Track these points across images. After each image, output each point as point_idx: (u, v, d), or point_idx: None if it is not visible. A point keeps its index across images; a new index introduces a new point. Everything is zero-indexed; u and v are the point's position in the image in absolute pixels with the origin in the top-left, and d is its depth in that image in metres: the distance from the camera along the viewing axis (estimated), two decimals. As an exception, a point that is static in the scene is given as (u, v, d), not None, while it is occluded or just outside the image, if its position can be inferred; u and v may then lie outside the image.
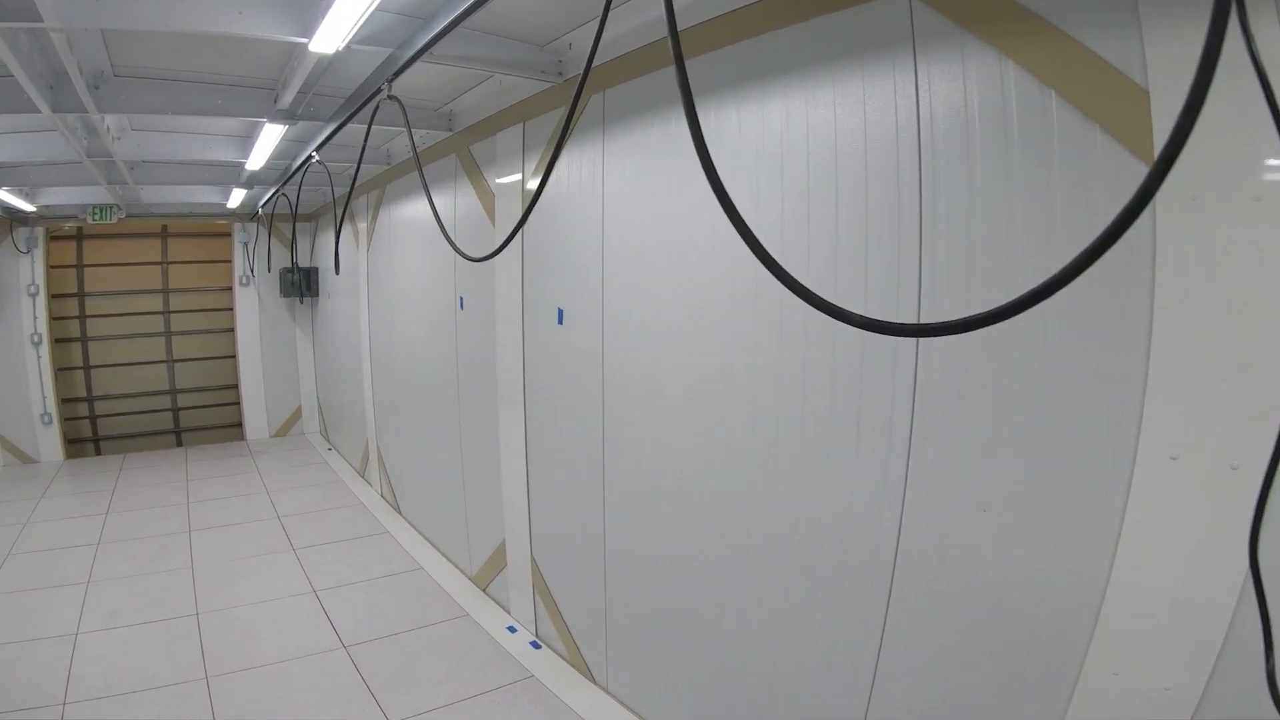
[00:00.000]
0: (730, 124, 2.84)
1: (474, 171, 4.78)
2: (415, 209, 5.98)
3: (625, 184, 3.40)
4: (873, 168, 2.37)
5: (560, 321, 3.91)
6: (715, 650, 3.18)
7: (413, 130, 5.22)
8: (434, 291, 5.69)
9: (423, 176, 2.97)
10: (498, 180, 4.45)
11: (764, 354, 2.75)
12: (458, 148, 4.95)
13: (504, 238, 4.31)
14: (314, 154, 4.67)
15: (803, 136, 2.58)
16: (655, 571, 3.48)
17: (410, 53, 2.98)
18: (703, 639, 3.24)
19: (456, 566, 5.74)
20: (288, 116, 4.18)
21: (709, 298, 2.96)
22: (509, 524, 4.79)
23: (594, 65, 3.50)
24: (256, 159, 5.36)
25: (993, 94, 2.05)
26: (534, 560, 4.55)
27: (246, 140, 5.39)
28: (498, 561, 5.02)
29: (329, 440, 10.10)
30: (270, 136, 4.64)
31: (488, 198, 4.61)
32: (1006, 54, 2.01)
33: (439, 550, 6.07)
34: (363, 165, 3.85)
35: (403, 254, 6.42)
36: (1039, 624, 2.05)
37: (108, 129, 4.68)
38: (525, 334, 4.30)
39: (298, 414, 10.79)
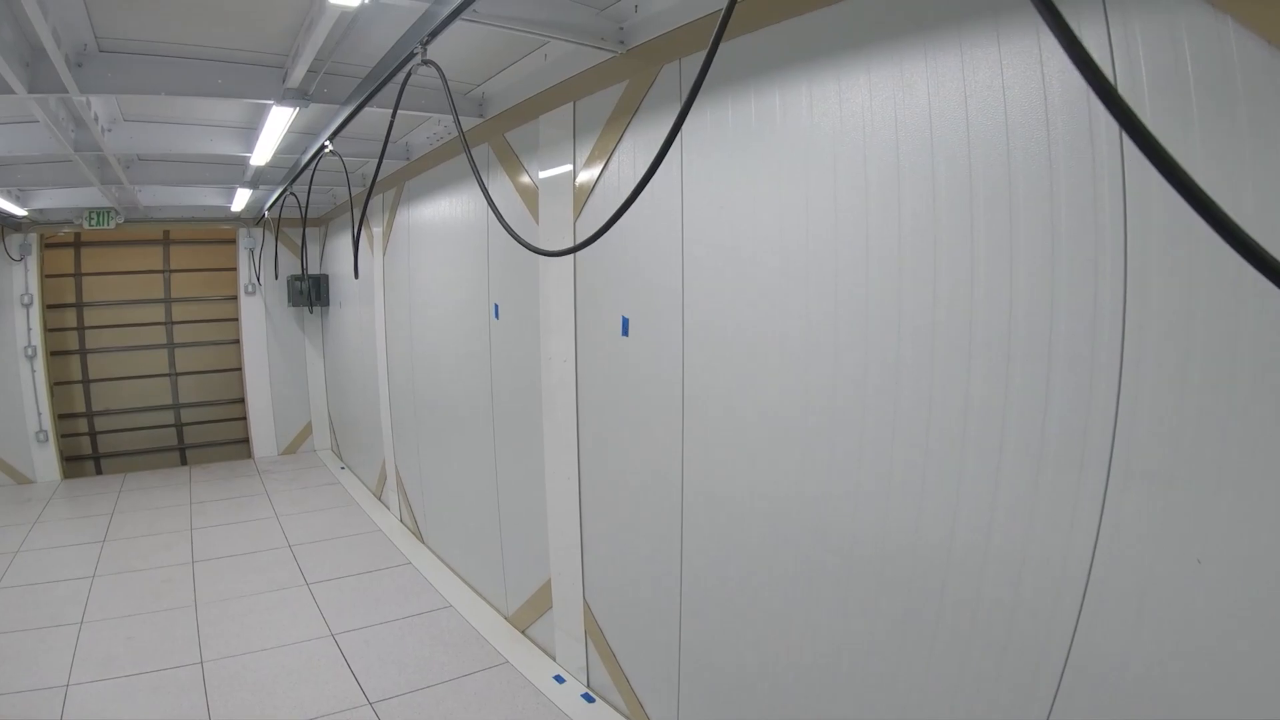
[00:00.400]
0: (858, 94, 2.28)
1: (511, 162, 4.20)
2: (440, 207, 5.40)
3: (712, 171, 2.81)
4: (1058, 138, 1.83)
5: (625, 332, 3.34)
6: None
7: (439, 118, 4.68)
8: (462, 299, 5.10)
9: (470, 157, 2.41)
10: (542, 173, 3.87)
11: (910, 368, 2.19)
12: (490, 136, 4.37)
13: (549, 236, 3.78)
14: (327, 143, 4.11)
15: (958, 104, 2.03)
16: (746, 628, 2.91)
17: (449, 8, 2.42)
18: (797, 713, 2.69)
19: (491, 605, 5.16)
20: (298, 96, 3.62)
21: (831, 297, 2.39)
22: (556, 561, 4.22)
23: (669, 30, 2.98)
24: (262, 152, 4.81)
25: (1211, 56, 1.58)
26: (586, 603, 3.98)
27: (250, 132, 4.85)
28: (541, 602, 4.45)
29: (341, 458, 9.54)
30: (278, 122, 4.07)
31: (529, 193, 4.04)
32: (1223, 9, 1.55)
33: (470, 585, 5.49)
34: (377, 161, 3.31)
35: (425, 258, 5.84)
36: (1257, 692, 1.59)
37: (95, 118, 4.13)
38: (579, 345, 3.72)
39: (308, 430, 10.22)
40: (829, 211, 2.37)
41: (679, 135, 2.87)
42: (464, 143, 2.42)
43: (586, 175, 3.50)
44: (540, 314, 4.00)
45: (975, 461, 2.05)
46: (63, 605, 5.22)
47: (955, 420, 2.09)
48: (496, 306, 4.55)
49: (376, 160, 3.23)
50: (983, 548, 2.05)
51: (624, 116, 3.21)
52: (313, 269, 9.51)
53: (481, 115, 4.33)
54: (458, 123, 2.48)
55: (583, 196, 3.53)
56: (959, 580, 2.12)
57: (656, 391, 3.21)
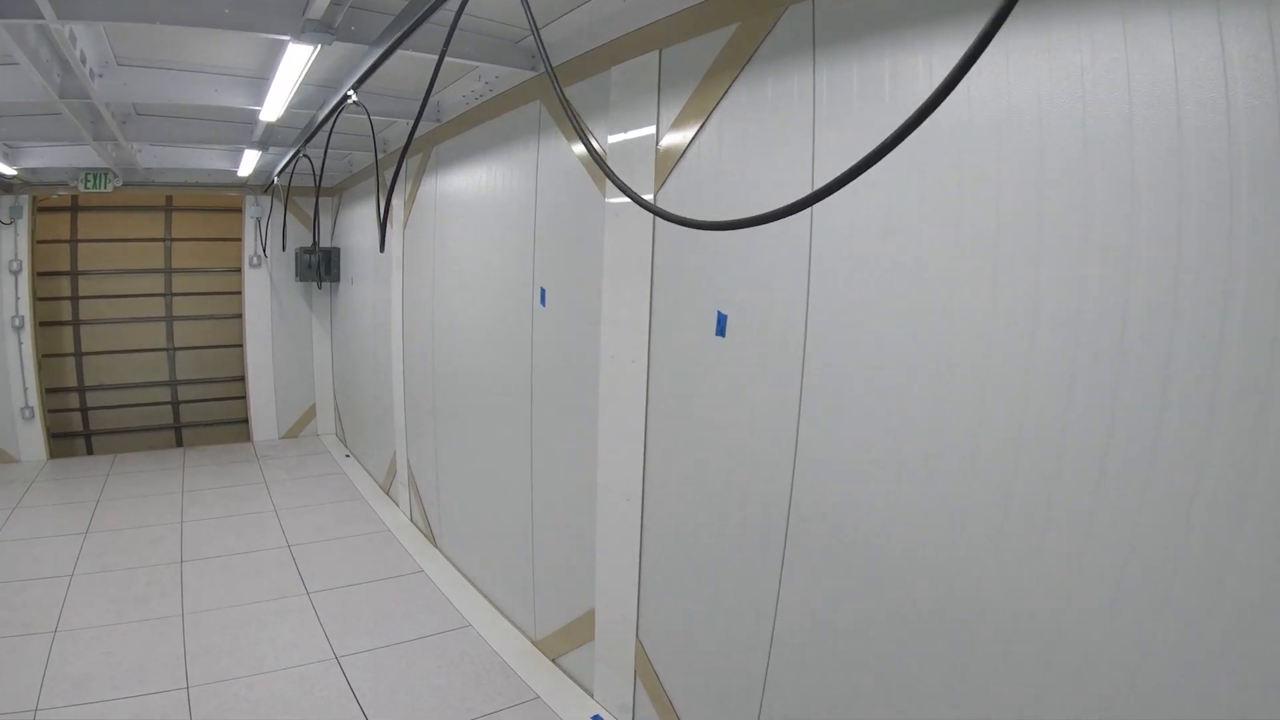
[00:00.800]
0: (1074, 54, 1.70)
1: (570, 123, 3.57)
2: (475, 176, 4.76)
3: (859, 134, 2.19)
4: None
5: (720, 332, 2.72)
6: None
7: (481, 72, 4.07)
8: (500, 282, 4.48)
9: (563, 98, 1.81)
10: (612, 137, 3.25)
11: (1128, 397, 1.61)
12: (544, 92, 3.74)
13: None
14: (351, 92, 3.50)
15: (1216, 75, 1.48)
16: (861, 700, 2.32)
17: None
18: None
19: (516, 626, 4.58)
20: (321, 29, 2.99)
21: (1031, 299, 1.79)
22: (604, 591, 3.62)
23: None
24: (274, 104, 4.18)
25: None
26: (640, 641, 3.40)
27: (262, 84, 4.22)
28: (580, 632, 3.87)
29: (346, 445, 8.94)
30: (294, 64, 3.41)
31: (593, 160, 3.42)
32: None
33: (491, 602, 4.91)
34: (413, 119, 2.70)
35: (454, 233, 5.21)
36: None
37: (82, 57, 3.52)
38: (653, 344, 3.10)
39: (311, 413, 9.62)
40: (1031, 190, 1.77)
41: (812, 93, 2.28)
42: (553, 78, 1.82)
43: (674, 139, 2.87)
44: (603, 305, 3.38)
45: (1201, 530, 1.51)
46: (36, 609, 4.67)
47: (1186, 474, 1.52)
48: (543, 292, 3.92)
49: (410, 121, 2.67)
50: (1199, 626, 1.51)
51: (730, 68, 2.59)
52: (324, 241, 8.91)
53: (534, 68, 3.70)
54: (545, 56, 1.87)
55: (667, 165, 2.90)
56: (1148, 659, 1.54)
57: (761, 406, 2.59)
